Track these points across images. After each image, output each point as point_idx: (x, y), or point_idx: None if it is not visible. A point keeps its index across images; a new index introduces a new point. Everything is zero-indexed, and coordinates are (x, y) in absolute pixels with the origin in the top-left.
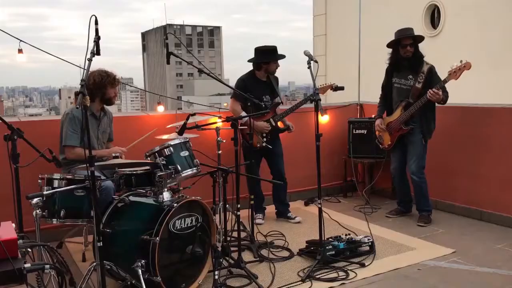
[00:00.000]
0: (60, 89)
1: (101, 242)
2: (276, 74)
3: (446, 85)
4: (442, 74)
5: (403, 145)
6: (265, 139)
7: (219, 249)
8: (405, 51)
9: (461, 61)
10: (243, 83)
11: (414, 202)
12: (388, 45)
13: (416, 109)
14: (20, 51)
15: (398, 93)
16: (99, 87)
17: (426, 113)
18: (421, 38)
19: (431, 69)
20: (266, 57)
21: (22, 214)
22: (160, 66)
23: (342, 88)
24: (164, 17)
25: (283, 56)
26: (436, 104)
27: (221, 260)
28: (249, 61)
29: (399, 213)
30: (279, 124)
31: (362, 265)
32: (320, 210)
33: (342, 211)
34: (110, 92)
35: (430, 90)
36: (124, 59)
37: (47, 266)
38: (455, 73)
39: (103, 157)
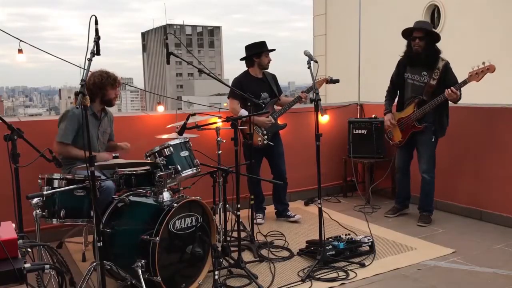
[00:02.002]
0: (60, 89)
1: (101, 242)
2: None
3: None
4: None
5: (411, 144)
6: (266, 137)
7: (219, 249)
8: (414, 43)
9: (483, 63)
10: (239, 83)
11: (412, 201)
12: (403, 35)
13: (432, 107)
14: (20, 51)
15: (412, 89)
16: (99, 87)
17: (440, 111)
18: (434, 35)
19: (446, 66)
20: (256, 49)
21: (22, 214)
22: (160, 66)
23: (337, 81)
24: (164, 17)
25: (273, 49)
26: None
27: (221, 260)
28: (241, 59)
29: (396, 211)
30: (278, 121)
31: (362, 265)
32: (320, 210)
33: (342, 211)
34: (110, 93)
35: (447, 89)
36: (124, 59)
37: (47, 266)
38: (476, 75)
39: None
